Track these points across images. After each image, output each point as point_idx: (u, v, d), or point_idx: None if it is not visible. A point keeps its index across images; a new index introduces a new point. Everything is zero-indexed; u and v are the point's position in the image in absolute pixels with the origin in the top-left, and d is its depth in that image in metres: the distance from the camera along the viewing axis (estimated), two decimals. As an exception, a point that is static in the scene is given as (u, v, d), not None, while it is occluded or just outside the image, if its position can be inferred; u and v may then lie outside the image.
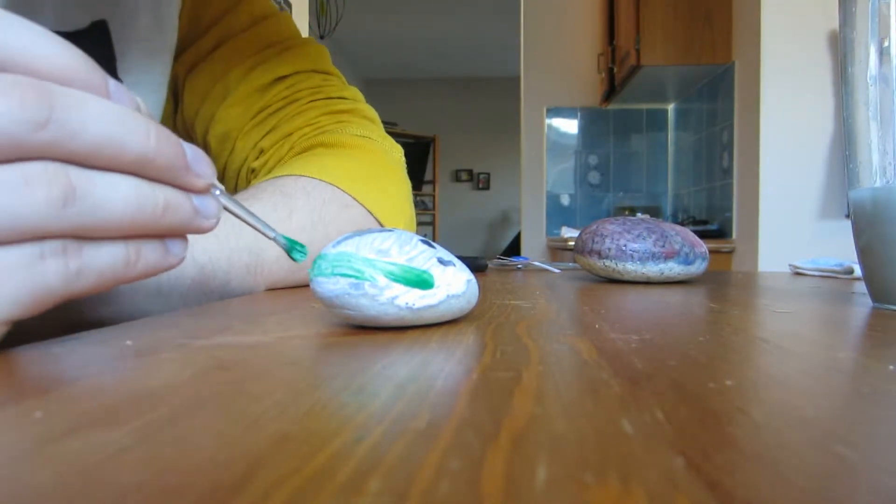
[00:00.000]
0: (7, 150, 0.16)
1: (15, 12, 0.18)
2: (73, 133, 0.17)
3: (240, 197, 0.41)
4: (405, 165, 0.59)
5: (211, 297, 0.36)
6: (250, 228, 0.25)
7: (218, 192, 0.23)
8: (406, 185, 0.56)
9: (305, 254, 0.26)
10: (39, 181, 0.17)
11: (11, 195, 0.17)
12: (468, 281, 0.25)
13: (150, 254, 0.21)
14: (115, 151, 0.18)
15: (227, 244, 0.36)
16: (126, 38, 0.44)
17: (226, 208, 0.23)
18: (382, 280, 0.22)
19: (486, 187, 6.51)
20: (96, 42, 0.42)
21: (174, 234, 0.22)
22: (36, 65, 0.18)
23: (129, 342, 0.21)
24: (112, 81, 0.20)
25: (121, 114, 0.19)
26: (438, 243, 0.30)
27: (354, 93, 0.61)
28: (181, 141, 0.21)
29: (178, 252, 0.22)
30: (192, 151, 0.21)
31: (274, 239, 0.25)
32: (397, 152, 0.58)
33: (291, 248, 0.26)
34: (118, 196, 0.19)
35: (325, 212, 0.43)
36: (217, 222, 0.23)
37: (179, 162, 0.20)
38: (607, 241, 0.49)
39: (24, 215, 0.17)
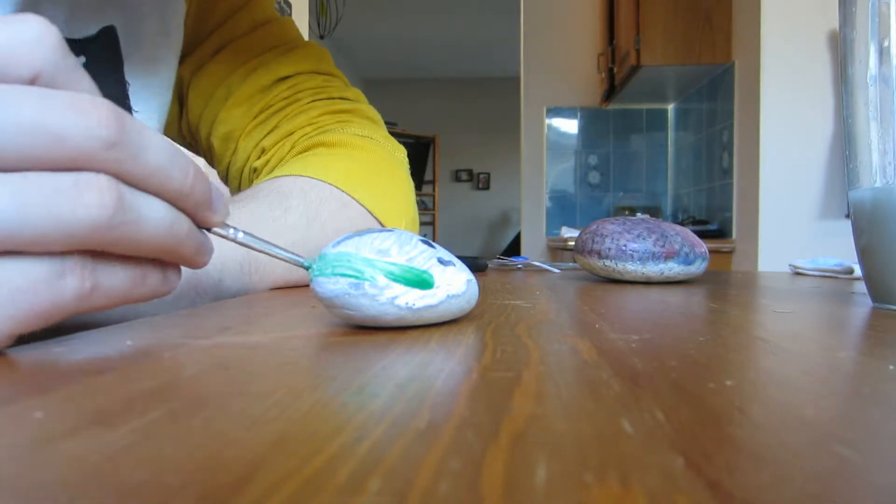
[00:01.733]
0: (78, 161, 0.17)
1: None
2: (133, 156, 0.18)
3: (237, 197, 0.41)
4: (408, 166, 0.59)
5: (204, 297, 0.35)
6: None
7: (241, 235, 0.24)
8: (408, 185, 0.56)
9: None
10: (91, 187, 0.18)
11: (64, 198, 0.17)
12: (468, 281, 0.25)
13: (152, 279, 0.22)
14: (161, 181, 0.20)
15: (218, 242, 0.36)
16: (133, 44, 0.45)
17: (247, 246, 0.24)
18: (382, 280, 0.22)
19: (486, 187, 6.51)
20: (105, 48, 0.42)
21: (177, 262, 0.23)
22: None
23: (129, 342, 0.21)
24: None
25: (172, 149, 0.20)
26: (438, 243, 0.30)
27: (357, 94, 0.61)
28: (209, 179, 0.22)
29: (174, 281, 0.23)
30: (215, 190, 0.23)
31: (308, 268, 0.24)
32: (400, 152, 0.58)
33: None
34: (156, 217, 0.20)
35: (322, 210, 0.43)
36: (209, 260, 0.24)
37: (206, 199, 0.22)
38: (607, 241, 0.49)
39: (73, 220, 0.17)
